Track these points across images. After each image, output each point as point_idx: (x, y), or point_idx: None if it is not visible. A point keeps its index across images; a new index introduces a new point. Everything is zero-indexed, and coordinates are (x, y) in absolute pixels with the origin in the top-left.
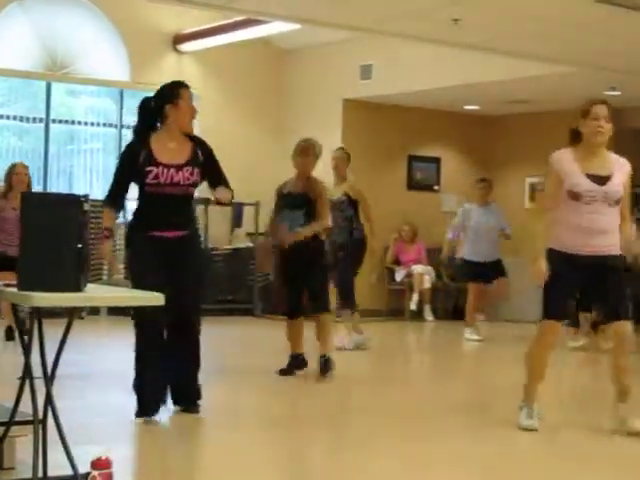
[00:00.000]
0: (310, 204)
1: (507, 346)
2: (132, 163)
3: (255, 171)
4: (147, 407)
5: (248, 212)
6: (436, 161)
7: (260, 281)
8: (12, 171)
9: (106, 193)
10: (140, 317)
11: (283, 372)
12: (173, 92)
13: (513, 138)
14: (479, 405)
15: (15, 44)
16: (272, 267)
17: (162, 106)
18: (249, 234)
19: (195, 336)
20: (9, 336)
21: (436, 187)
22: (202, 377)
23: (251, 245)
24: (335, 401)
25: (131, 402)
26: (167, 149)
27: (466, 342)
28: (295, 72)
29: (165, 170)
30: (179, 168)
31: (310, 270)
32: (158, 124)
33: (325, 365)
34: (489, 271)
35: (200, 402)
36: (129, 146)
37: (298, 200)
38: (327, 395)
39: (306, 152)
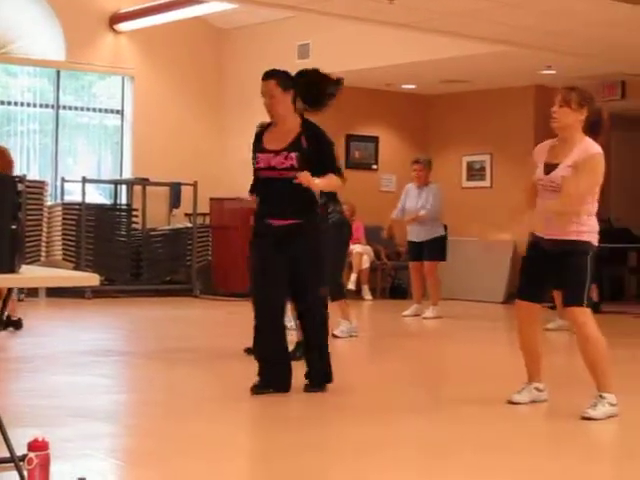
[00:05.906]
0: None
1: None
2: None
3: (193, 151)
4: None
5: (186, 192)
6: (374, 140)
7: (199, 261)
8: None
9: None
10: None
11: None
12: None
13: (450, 117)
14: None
15: None
16: None
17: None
18: (187, 214)
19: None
20: None
21: (374, 166)
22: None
23: (189, 225)
24: None
25: (70, 383)
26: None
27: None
28: (233, 52)
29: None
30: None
31: None
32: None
33: None
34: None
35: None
36: None
37: None
38: None
39: None
